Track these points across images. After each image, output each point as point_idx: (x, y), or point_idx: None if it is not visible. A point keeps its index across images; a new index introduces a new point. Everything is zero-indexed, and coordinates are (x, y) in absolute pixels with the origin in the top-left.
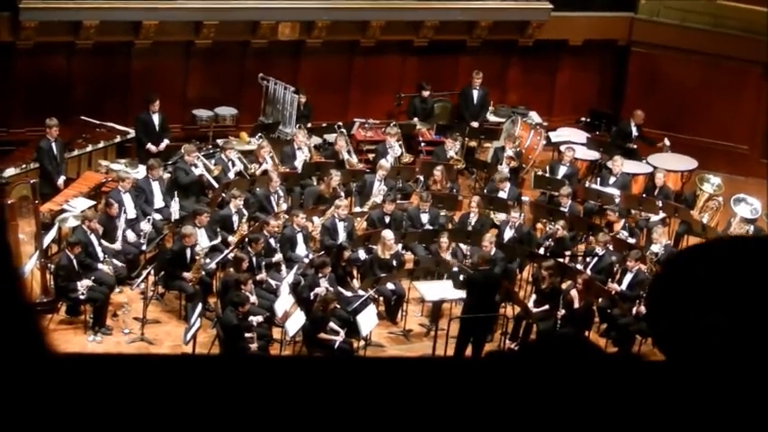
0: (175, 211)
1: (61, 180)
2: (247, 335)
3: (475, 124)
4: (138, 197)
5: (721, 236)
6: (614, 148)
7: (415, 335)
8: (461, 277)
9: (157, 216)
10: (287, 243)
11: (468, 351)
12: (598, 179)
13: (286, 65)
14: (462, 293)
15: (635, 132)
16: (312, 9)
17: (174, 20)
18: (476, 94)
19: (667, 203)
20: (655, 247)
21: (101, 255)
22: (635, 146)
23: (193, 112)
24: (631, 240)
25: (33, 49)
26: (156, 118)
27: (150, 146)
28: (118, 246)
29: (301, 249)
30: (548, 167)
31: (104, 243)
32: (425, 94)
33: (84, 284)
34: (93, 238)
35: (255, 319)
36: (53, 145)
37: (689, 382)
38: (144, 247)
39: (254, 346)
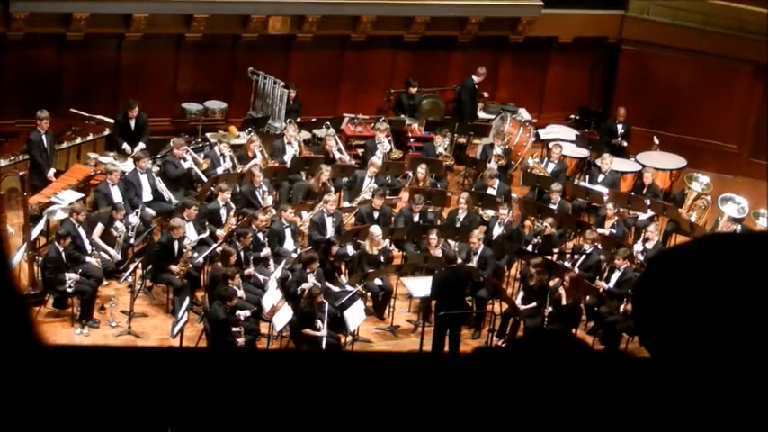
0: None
1: (51, 172)
2: (235, 329)
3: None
4: (128, 190)
5: (708, 233)
6: (603, 146)
7: (402, 330)
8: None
9: (149, 209)
10: (275, 238)
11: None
12: (587, 177)
13: (276, 59)
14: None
15: (621, 130)
16: (303, 3)
17: (165, 12)
18: (477, 88)
19: (656, 202)
20: (638, 246)
21: (89, 248)
22: (623, 143)
23: (183, 106)
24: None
25: (23, 41)
26: (132, 123)
27: (126, 146)
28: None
29: (289, 244)
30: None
31: (97, 240)
32: (413, 90)
33: (71, 277)
34: (81, 230)
35: (243, 314)
36: (44, 137)
37: (674, 380)
38: (132, 241)
39: (241, 340)
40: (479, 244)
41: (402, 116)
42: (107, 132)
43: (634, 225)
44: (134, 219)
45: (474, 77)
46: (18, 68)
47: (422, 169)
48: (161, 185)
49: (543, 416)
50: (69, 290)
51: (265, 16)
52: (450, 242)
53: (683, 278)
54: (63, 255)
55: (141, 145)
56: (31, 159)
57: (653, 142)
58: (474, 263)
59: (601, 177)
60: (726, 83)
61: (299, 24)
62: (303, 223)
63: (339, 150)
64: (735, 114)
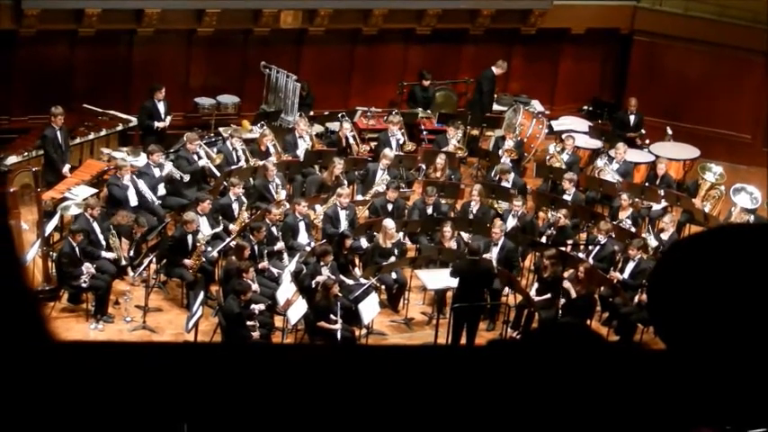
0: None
1: (66, 168)
2: (249, 323)
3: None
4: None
5: (722, 224)
6: (616, 137)
7: (416, 323)
8: (453, 266)
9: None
10: (289, 231)
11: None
12: (605, 159)
13: (288, 53)
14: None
15: (633, 121)
16: None
17: (176, 8)
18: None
19: (669, 192)
20: (651, 241)
21: (104, 242)
22: (635, 136)
23: (195, 101)
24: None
25: (36, 37)
26: (161, 106)
27: (157, 123)
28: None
29: (303, 238)
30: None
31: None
32: (426, 83)
33: (87, 269)
34: (95, 225)
35: (257, 308)
36: (58, 133)
37: (690, 370)
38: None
39: (255, 334)
40: (501, 234)
41: (416, 109)
42: (120, 128)
43: (648, 216)
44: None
45: (494, 69)
46: (30, 65)
47: (441, 159)
48: (167, 165)
49: (558, 407)
50: (84, 284)
51: (277, 10)
52: (464, 234)
53: (698, 269)
54: (77, 250)
55: (170, 118)
56: (45, 155)
57: (666, 133)
58: (495, 254)
59: (615, 166)
60: (738, 73)
61: (310, 18)
62: (317, 217)
63: (354, 137)
64: (747, 104)
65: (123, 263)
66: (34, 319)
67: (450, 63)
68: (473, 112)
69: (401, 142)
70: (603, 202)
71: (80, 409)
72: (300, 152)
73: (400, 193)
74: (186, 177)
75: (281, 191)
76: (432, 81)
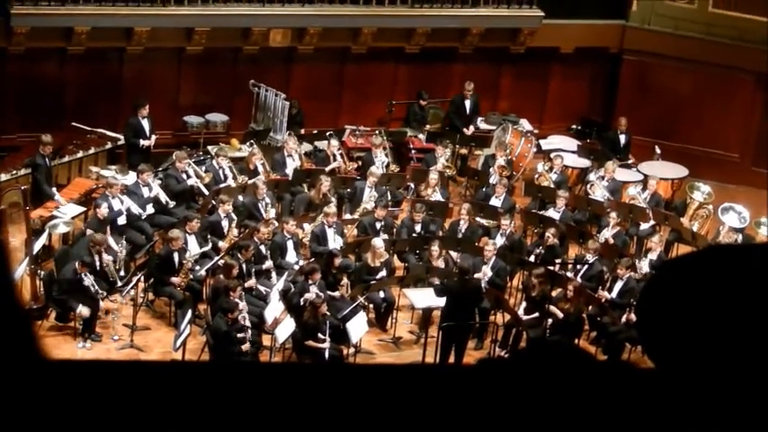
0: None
1: (54, 191)
2: (239, 335)
3: (472, 129)
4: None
5: (711, 244)
6: (605, 157)
7: (404, 342)
8: (438, 285)
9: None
10: (277, 250)
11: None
12: (599, 174)
13: (277, 71)
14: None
15: (623, 141)
16: (304, 16)
17: (166, 26)
18: (468, 102)
19: (657, 211)
20: (644, 266)
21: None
22: (628, 159)
23: (184, 119)
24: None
25: (25, 55)
26: (145, 123)
27: (142, 141)
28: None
29: (291, 256)
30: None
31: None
32: (423, 102)
33: (82, 310)
34: (96, 259)
35: (242, 312)
36: (46, 160)
37: (679, 390)
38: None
39: (245, 346)
40: (493, 253)
41: (406, 128)
42: (108, 146)
43: (636, 235)
44: (116, 246)
45: (463, 93)
46: (19, 83)
47: (434, 175)
48: (155, 186)
49: (546, 427)
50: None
51: (266, 29)
52: (452, 253)
53: (688, 289)
54: (80, 279)
55: (155, 137)
56: (34, 182)
57: (654, 152)
58: (488, 272)
59: (605, 184)
60: (727, 92)
61: (299, 37)
62: (305, 235)
63: (341, 155)
64: (736, 123)
65: (119, 284)
66: (26, 336)
67: (440, 81)
68: (450, 133)
69: (385, 164)
70: (592, 222)
71: (67, 428)
72: (289, 171)
73: (389, 211)
74: (172, 204)
75: (271, 209)
76: (428, 101)
